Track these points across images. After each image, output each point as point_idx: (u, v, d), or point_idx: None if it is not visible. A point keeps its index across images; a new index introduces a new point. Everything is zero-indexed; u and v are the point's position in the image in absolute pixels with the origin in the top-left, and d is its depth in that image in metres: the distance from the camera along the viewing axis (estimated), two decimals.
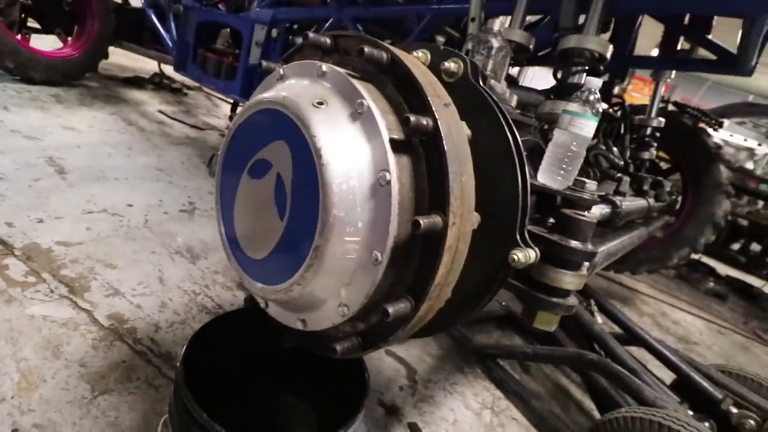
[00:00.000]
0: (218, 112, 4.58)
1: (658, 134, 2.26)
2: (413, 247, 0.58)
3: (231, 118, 4.00)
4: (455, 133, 0.59)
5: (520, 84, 2.73)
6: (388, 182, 0.55)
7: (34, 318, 1.33)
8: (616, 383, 1.39)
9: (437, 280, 0.57)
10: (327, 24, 2.05)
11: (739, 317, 3.91)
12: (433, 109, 0.56)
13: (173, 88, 4.56)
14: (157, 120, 3.52)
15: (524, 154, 0.74)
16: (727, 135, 5.07)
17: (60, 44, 3.46)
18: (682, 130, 2.56)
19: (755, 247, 5.49)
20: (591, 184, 0.91)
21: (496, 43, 0.99)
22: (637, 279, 3.67)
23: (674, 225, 2.65)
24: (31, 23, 3.38)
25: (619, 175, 1.30)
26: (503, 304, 2.25)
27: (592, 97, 0.93)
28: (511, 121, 0.74)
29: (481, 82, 0.76)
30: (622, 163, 1.64)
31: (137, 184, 2.38)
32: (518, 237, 0.70)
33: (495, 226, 0.71)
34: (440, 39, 2.53)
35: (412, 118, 0.54)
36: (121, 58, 5.01)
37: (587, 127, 0.92)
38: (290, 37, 2.29)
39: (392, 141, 0.56)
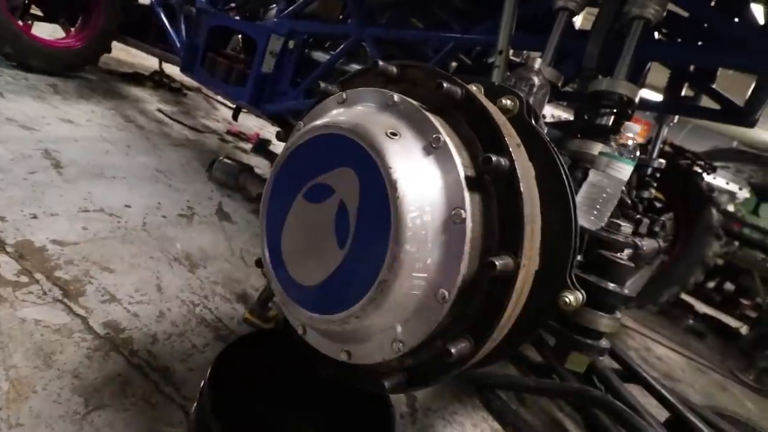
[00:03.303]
0: (217, 115, 4.52)
1: (657, 175, 2.32)
2: (479, 287, 0.57)
3: (233, 121, 3.96)
4: (527, 174, 0.59)
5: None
6: (463, 220, 0.54)
7: (25, 321, 1.26)
8: (619, 422, 1.39)
9: (502, 322, 0.56)
10: (346, 42, 2.05)
11: (716, 355, 4.00)
12: (510, 149, 0.56)
13: (172, 88, 4.49)
14: (156, 119, 3.45)
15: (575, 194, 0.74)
16: (711, 178, 5.27)
17: (62, 34, 3.38)
18: (678, 171, 2.65)
19: (728, 286, 5.67)
20: (627, 227, 0.92)
21: (537, 81, 1.01)
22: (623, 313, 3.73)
23: (666, 263, 2.72)
24: (35, 11, 3.30)
25: (638, 216, 1.33)
26: None
27: (630, 142, 0.94)
28: (563, 161, 0.74)
29: (534, 121, 0.76)
30: (630, 202, 1.67)
31: (135, 184, 2.31)
32: (568, 279, 0.70)
33: (547, 267, 0.71)
34: (453, 65, 2.57)
35: (493, 158, 0.54)
36: (119, 53, 4.92)
37: (624, 170, 0.94)
38: (306, 51, 2.28)
39: (467, 178, 0.56)
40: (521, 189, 0.55)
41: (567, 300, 0.68)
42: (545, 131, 1.06)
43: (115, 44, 3.76)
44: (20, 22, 3.01)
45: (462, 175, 0.55)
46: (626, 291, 0.83)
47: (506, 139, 0.57)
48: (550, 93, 1.39)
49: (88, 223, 1.82)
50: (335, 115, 0.65)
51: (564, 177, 0.72)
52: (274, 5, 2.57)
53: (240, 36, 3.09)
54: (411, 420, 1.55)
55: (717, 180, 5.14)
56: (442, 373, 0.60)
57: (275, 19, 2.31)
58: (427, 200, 0.55)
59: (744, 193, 4.75)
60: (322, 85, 0.72)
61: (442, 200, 0.55)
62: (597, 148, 1.09)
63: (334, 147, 0.61)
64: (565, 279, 0.70)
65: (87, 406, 1.11)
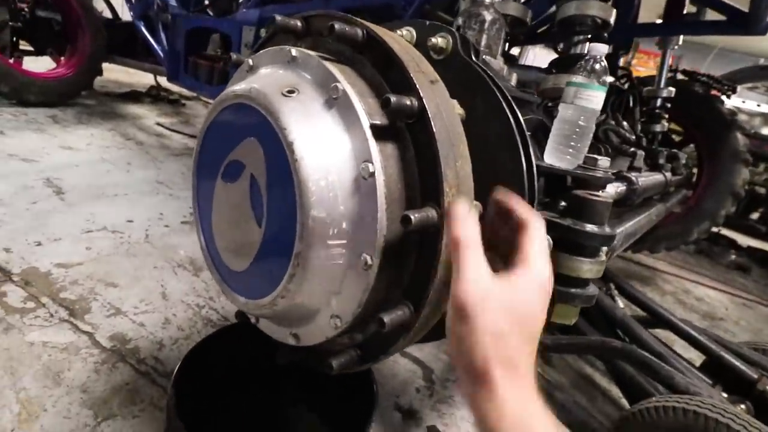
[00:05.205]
0: None
1: (669, 105, 2.15)
2: (408, 246, 0.52)
3: None
4: (445, 112, 0.52)
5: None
6: (372, 174, 0.48)
7: (33, 345, 1.29)
8: (645, 370, 1.31)
9: (436, 283, 0.50)
10: None
11: (764, 288, 3.76)
12: (418, 86, 0.49)
13: (171, 100, 4.54)
14: (155, 133, 3.49)
15: (527, 133, 0.67)
16: (740, 101, 4.88)
17: (53, 64, 3.45)
18: (694, 99, 2.44)
19: None
20: (604, 161, 0.82)
21: (488, 16, 0.91)
22: (656, 257, 3.54)
23: (692, 198, 2.53)
24: (24, 46, 3.37)
25: (633, 149, 1.21)
26: None
27: (597, 66, 0.84)
28: (510, 97, 0.66)
29: (474, 57, 0.68)
30: (633, 137, 1.54)
31: (137, 198, 2.34)
32: None
33: None
34: None
35: (393, 98, 0.47)
36: (117, 74, 5.01)
37: (595, 98, 0.84)
38: None
39: (374, 127, 0.49)
40: (433, 128, 0.48)
41: None
42: (506, 72, 0.97)
43: (111, 66, 3.81)
44: (11, 60, 3.08)
45: (366, 124, 0.49)
46: (607, 230, 0.75)
47: (414, 75, 0.50)
48: (526, 32, 1.28)
49: (92, 243, 1.85)
50: (241, 83, 0.60)
51: (508, 113, 0.64)
52: None
53: (219, 35, 3.06)
54: (428, 393, 1.51)
55: (747, 104, 4.76)
56: (389, 346, 0.55)
57: (244, 10, 2.25)
58: (333, 158, 0.49)
59: None
60: (234, 56, 0.67)
61: (349, 156, 0.50)
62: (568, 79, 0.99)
63: (237, 118, 0.56)
64: None
65: (96, 417, 1.13)
